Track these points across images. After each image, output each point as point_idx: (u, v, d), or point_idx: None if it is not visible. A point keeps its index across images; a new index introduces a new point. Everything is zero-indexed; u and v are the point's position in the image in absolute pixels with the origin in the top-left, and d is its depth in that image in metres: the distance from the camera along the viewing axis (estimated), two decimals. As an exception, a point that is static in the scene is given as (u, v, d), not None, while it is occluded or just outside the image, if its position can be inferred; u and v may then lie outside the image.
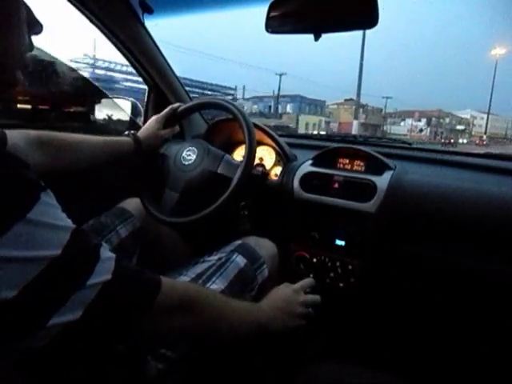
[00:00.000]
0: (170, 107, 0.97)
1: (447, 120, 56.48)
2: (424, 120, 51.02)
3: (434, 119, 51.28)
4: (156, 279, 0.46)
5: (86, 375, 0.53)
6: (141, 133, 0.92)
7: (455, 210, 0.83)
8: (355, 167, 0.99)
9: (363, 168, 0.98)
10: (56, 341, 0.36)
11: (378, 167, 0.95)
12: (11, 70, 0.43)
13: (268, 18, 0.85)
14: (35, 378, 0.40)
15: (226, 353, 0.74)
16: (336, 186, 0.95)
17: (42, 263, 0.34)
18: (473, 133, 60.22)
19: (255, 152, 0.84)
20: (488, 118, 37.48)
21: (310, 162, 1.03)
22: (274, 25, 0.86)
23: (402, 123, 53.04)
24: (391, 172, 0.92)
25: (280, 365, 0.93)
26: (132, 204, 0.93)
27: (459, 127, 58.31)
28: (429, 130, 49.35)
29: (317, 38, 0.81)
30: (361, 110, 43.37)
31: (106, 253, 0.41)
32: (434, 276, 0.88)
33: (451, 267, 0.85)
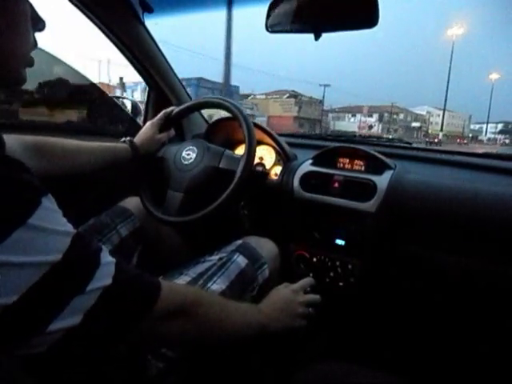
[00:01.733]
0: (163, 111, 0.97)
1: (401, 116, 51.10)
2: (376, 115, 45.11)
3: (386, 115, 45.58)
4: (156, 283, 0.46)
5: (86, 375, 0.53)
6: (137, 138, 0.92)
7: (455, 210, 0.83)
8: (355, 167, 0.99)
9: (363, 168, 0.98)
10: (56, 346, 0.36)
11: (378, 167, 0.95)
12: (18, 69, 0.44)
13: (268, 18, 0.85)
14: (36, 380, 0.40)
15: (226, 353, 0.74)
16: (336, 185, 0.95)
17: (42, 269, 0.34)
18: (430, 131, 54.31)
19: (255, 150, 0.84)
20: (444, 114, 33.42)
21: (310, 161, 1.03)
22: (274, 24, 0.86)
23: (352, 119, 47.18)
24: (391, 172, 0.92)
25: (280, 364, 0.93)
26: (132, 203, 0.93)
27: (415, 124, 53.69)
28: (380, 126, 44.07)
29: (317, 37, 0.81)
30: (293, 100, 37.01)
31: (107, 257, 0.41)
32: (433, 275, 0.88)
33: (451, 267, 0.85)
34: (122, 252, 0.83)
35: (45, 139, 0.74)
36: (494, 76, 63.01)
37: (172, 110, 0.97)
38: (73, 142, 0.80)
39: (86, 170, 0.81)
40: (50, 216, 0.36)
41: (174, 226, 0.92)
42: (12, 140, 0.67)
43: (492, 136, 63.68)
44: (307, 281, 0.77)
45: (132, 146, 0.88)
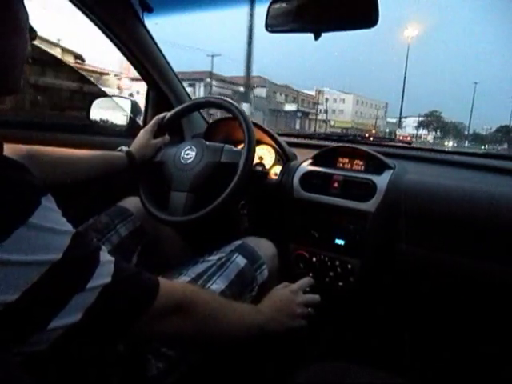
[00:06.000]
0: (155, 117, 0.97)
1: (261, 91, 27.90)
2: (201, 85, 24.47)
3: (208, 81, 24.48)
4: (154, 281, 0.47)
5: (86, 375, 0.53)
6: (132, 147, 0.92)
7: (455, 210, 0.83)
8: (355, 166, 0.99)
9: (363, 167, 0.98)
10: (57, 343, 0.37)
11: (377, 166, 0.95)
12: (17, 75, 0.44)
13: (268, 17, 0.85)
14: (36, 379, 0.40)
15: (226, 353, 0.74)
16: (336, 185, 0.95)
17: (43, 267, 0.34)
18: (332, 122, 37.57)
19: (254, 149, 0.84)
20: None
21: (310, 161, 1.03)
22: (274, 24, 0.86)
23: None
24: (391, 171, 0.92)
25: (280, 365, 0.93)
26: (132, 203, 0.93)
27: (289, 108, 32.00)
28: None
29: (317, 37, 0.81)
30: None
31: (106, 256, 0.41)
32: (433, 275, 0.88)
33: (451, 266, 0.85)
34: (121, 252, 0.83)
35: (38, 148, 0.74)
36: (411, 32, 38.41)
37: (164, 116, 0.97)
38: (67, 151, 0.79)
39: (81, 179, 0.81)
40: (50, 215, 0.37)
41: (183, 225, 0.91)
42: (5, 149, 0.67)
43: (414, 132, 48.38)
44: (306, 281, 0.77)
45: (128, 154, 0.88)
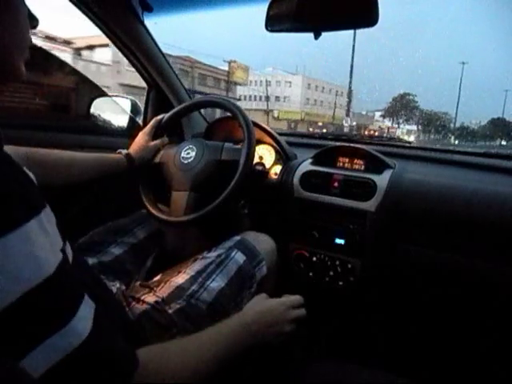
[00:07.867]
0: (154, 119, 0.97)
1: (106, 56, 13.14)
2: None
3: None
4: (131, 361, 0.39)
5: None
6: (131, 149, 0.91)
7: (455, 209, 0.83)
8: (355, 166, 0.99)
9: (363, 167, 0.98)
10: None
11: (377, 166, 0.95)
12: (18, 62, 0.44)
13: (268, 17, 0.85)
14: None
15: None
16: (336, 184, 0.95)
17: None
18: (276, 113, 28.98)
19: (254, 149, 0.84)
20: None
21: (310, 160, 1.03)
22: (274, 23, 0.86)
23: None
24: (391, 171, 0.92)
25: (280, 364, 0.93)
26: None
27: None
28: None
29: (317, 36, 0.81)
30: None
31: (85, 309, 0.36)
32: (433, 274, 0.88)
33: (451, 266, 0.85)
34: (136, 254, 0.83)
35: (37, 150, 0.73)
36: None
37: (162, 118, 0.97)
38: (66, 153, 0.79)
39: (79, 181, 0.80)
40: (35, 238, 0.33)
41: (185, 225, 0.90)
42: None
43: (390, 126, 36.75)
44: (298, 298, 0.69)
45: (127, 156, 0.88)
